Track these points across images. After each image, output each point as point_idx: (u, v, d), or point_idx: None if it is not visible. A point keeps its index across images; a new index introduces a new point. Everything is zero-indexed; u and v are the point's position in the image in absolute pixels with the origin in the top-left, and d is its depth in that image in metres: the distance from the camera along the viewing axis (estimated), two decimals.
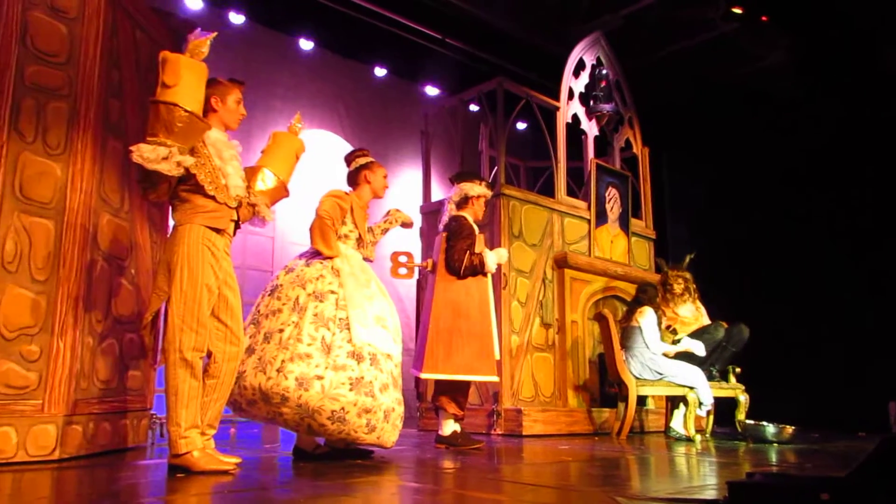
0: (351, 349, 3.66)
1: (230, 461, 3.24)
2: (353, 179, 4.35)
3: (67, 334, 3.56)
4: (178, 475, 3.08)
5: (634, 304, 6.49)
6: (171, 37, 4.87)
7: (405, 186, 8.84)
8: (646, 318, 6.23)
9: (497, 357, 4.92)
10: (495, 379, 4.98)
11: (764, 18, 7.80)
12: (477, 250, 4.94)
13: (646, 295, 6.42)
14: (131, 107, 4.26)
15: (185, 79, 3.08)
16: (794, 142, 8.02)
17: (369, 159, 4.35)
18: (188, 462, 3.12)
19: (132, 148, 3.03)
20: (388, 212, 4.55)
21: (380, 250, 5.92)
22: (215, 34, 3.24)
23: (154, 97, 3.08)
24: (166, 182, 3.15)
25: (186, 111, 3.05)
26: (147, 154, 3.00)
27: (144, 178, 3.12)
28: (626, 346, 6.29)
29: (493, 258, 4.95)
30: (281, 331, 3.68)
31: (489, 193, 5.23)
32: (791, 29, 7.80)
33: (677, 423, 6.36)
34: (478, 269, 4.90)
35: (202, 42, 3.17)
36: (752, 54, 8.13)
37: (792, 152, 8.04)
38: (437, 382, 4.91)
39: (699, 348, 6.15)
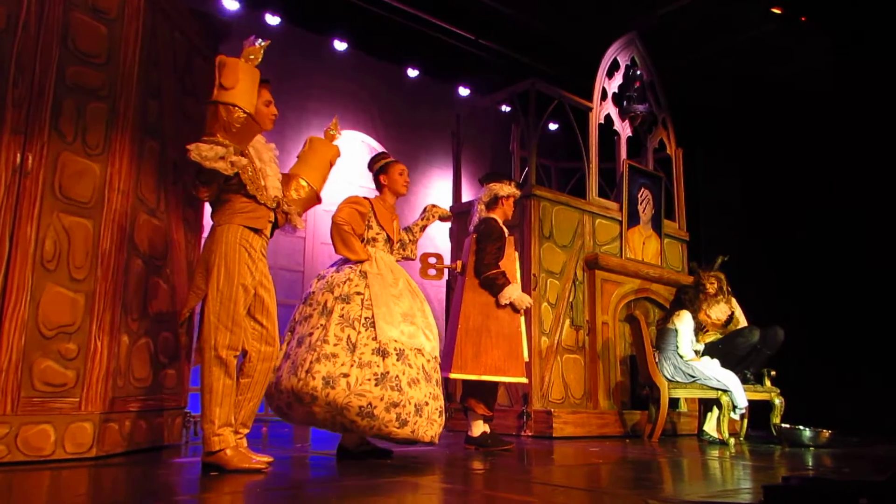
0: (376, 346, 3.70)
1: (262, 460, 3.27)
2: (375, 182, 4.43)
3: (105, 333, 3.60)
4: (212, 473, 3.11)
5: (674, 306, 6.46)
6: (208, 38, 4.92)
7: (436, 188, 8.85)
8: (683, 321, 6.19)
9: (525, 358, 4.92)
10: (524, 380, 4.97)
11: (803, 19, 7.70)
12: (507, 252, 4.95)
13: (686, 296, 6.38)
14: (169, 107, 4.31)
15: (243, 81, 3.20)
16: (830, 142, 7.91)
17: (386, 160, 4.40)
18: (221, 460, 3.16)
19: (189, 147, 3.11)
20: (426, 208, 4.61)
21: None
22: (269, 42, 3.34)
23: (212, 98, 3.17)
24: (217, 181, 3.25)
25: (245, 112, 3.17)
26: (205, 153, 3.09)
27: (199, 176, 3.22)
28: (659, 347, 6.26)
29: (515, 293, 4.88)
30: (311, 334, 3.75)
31: (518, 193, 5.23)
32: (829, 29, 7.69)
33: (710, 427, 6.31)
34: (495, 289, 4.86)
35: (257, 49, 3.28)
36: (789, 55, 8.04)
37: (828, 153, 7.93)
38: (466, 383, 4.91)
39: (714, 368, 6.11)
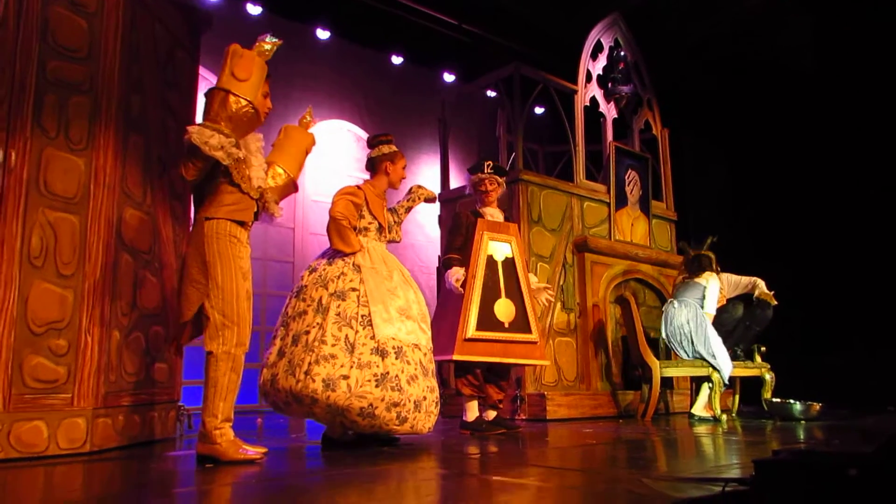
0: (374, 346, 3.69)
1: (257, 451, 3.28)
2: (373, 166, 4.31)
3: (95, 328, 3.59)
4: (207, 465, 3.11)
5: (696, 269, 6.34)
6: (189, 30, 4.89)
7: (424, 174, 8.83)
8: (714, 280, 6.17)
9: (470, 334, 4.73)
10: (460, 359, 4.76)
11: None
12: (476, 238, 4.92)
13: (702, 264, 6.33)
14: (151, 101, 4.29)
15: (255, 75, 3.27)
16: (816, 122, 7.92)
17: (393, 149, 4.30)
18: (217, 452, 3.16)
19: (190, 128, 3.12)
20: (411, 189, 4.55)
21: (402, 242, 5.96)
22: (281, 42, 3.43)
23: (220, 85, 3.21)
24: (206, 166, 3.21)
25: (254, 108, 3.24)
26: (208, 139, 3.10)
27: (192, 156, 3.16)
28: (680, 297, 6.24)
29: (452, 271, 4.84)
30: (307, 333, 3.71)
31: (482, 176, 5.13)
32: (812, 6, 7.70)
33: (699, 408, 6.34)
34: (445, 273, 4.93)
35: (270, 45, 3.37)
36: (775, 34, 8.04)
37: (815, 133, 7.95)
38: (454, 367, 4.97)
39: (717, 343, 6.12)
